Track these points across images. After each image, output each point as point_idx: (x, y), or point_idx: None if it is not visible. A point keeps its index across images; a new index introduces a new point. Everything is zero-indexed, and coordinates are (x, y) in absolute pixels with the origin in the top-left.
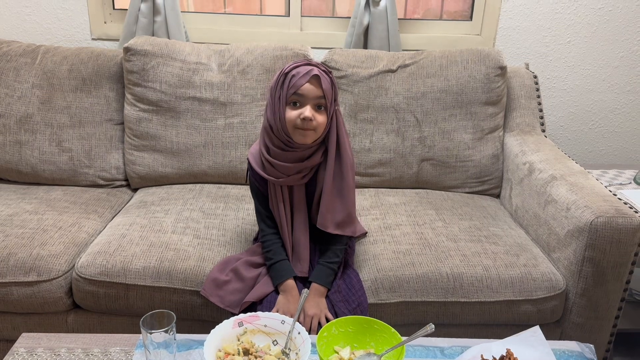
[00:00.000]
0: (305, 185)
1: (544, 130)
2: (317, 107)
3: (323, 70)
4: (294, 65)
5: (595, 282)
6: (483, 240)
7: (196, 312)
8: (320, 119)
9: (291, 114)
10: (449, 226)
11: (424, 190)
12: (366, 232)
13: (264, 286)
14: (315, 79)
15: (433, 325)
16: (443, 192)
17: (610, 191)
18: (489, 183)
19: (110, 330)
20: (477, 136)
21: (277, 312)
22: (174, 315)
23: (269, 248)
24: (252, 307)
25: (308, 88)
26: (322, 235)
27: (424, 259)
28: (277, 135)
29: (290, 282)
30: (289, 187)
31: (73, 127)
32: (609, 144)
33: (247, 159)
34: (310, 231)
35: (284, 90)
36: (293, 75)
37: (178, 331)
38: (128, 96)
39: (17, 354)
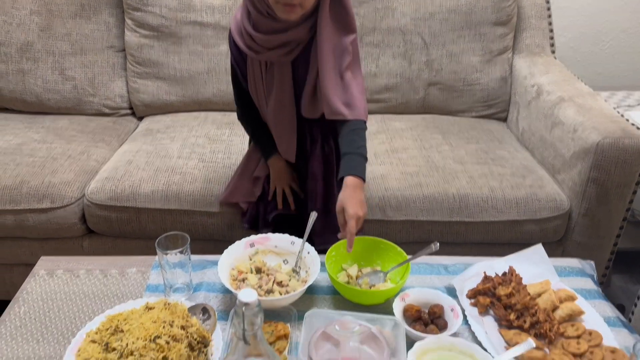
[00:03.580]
0: (294, 67)
1: (553, 52)
2: None
3: None
4: None
5: (598, 202)
6: (489, 163)
7: (208, 232)
8: None
9: None
10: (455, 149)
11: (431, 115)
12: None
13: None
14: None
15: (438, 244)
16: (450, 116)
17: (618, 112)
18: (497, 107)
19: (125, 254)
20: (485, 58)
21: (275, 189)
22: (188, 236)
23: (257, 145)
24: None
25: None
26: (330, 126)
27: (431, 180)
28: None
29: (272, 160)
30: (269, 64)
31: (75, 54)
32: (620, 65)
33: (230, 28)
34: (303, 126)
35: None
36: None
37: (192, 252)
38: (128, 21)
39: (37, 275)
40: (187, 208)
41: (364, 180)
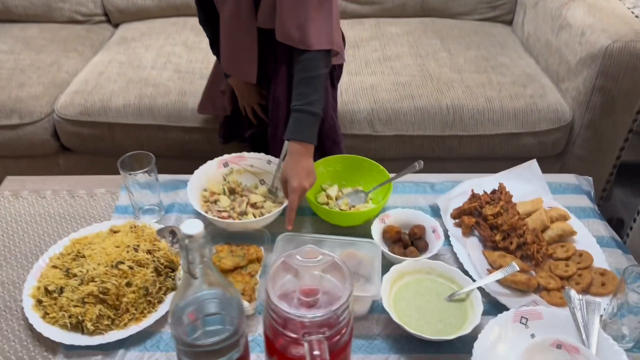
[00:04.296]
0: None
1: None
2: None
3: None
4: None
5: (603, 112)
6: (489, 71)
7: (187, 149)
8: None
9: None
10: (453, 57)
11: (430, 18)
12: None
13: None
14: None
15: (422, 162)
16: (450, 20)
17: (633, 13)
18: (502, 8)
19: (104, 172)
20: None
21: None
22: (153, 155)
23: (218, 57)
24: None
25: None
26: (284, 53)
27: (425, 91)
28: None
29: (232, 79)
30: None
31: None
32: None
33: None
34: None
35: None
36: None
37: (171, 171)
38: None
39: (2, 197)
40: (161, 123)
41: (313, 142)
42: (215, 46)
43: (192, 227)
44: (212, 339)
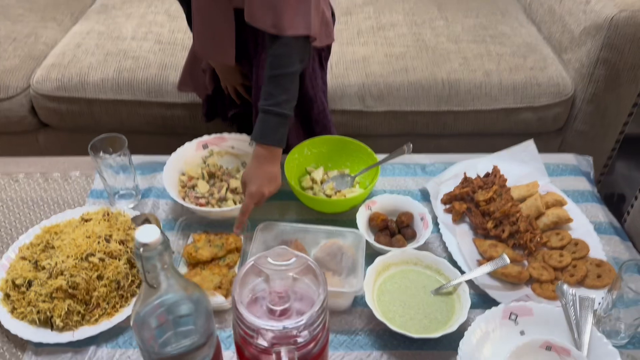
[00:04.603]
0: None
1: None
2: None
3: None
4: None
5: (607, 86)
6: (488, 41)
7: (169, 125)
8: None
9: None
10: (451, 25)
11: None
12: (332, 42)
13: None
14: None
15: (411, 145)
16: None
17: None
18: None
19: (84, 149)
20: None
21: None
22: (125, 138)
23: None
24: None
25: None
26: (265, 35)
27: (419, 63)
28: None
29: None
30: None
31: None
32: None
33: None
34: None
35: None
36: None
37: (153, 149)
38: None
39: None
40: (141, 98)
41: (281, 145)
42: (191, 23)
43: (148, 234)
44: (177, 346)
